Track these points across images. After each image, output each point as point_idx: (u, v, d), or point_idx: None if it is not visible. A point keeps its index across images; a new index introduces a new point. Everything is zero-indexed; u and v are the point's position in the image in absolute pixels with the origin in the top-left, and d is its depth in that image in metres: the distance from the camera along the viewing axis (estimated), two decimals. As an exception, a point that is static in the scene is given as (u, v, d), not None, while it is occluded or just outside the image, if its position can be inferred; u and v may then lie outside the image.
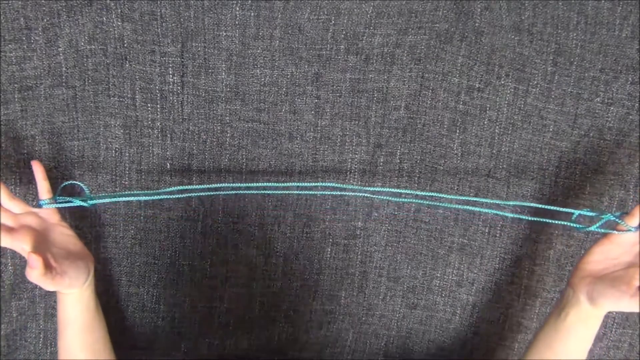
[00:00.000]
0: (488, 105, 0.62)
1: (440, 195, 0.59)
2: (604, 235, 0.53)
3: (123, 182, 0.60)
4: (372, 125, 0.62)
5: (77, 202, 0.54)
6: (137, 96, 0.59)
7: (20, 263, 0.60)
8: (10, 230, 0.51)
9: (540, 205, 0.58)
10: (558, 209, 0.56)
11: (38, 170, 0.54)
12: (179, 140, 0.60)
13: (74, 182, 0.57)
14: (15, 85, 0.56)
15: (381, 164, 0.63)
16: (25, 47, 0.55)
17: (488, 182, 0.63)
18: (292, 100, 0.61)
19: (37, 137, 0.58)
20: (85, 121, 0.59)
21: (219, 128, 0.61)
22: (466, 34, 0.60)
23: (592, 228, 0.54)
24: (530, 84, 0.61)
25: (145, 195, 0.57)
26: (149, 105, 0.59)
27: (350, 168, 0.63)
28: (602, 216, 0.53)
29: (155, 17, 0.57)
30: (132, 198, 0.55)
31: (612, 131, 0.62)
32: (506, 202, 0.61)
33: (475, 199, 0.58)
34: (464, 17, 0.60)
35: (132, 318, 0.64)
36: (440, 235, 0.65)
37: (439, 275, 0.66)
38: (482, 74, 0.61)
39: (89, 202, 0.54)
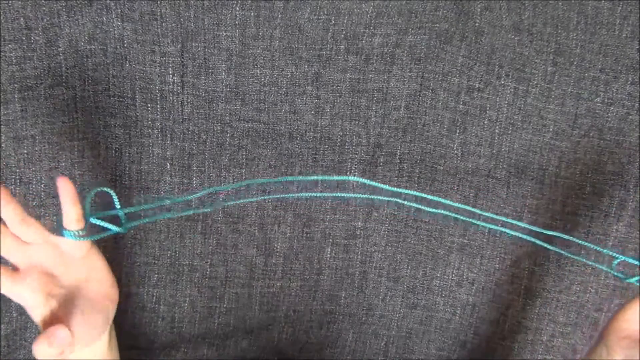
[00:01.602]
0: (488, 105, 0.62)
1: (474, 210, 0.52)
2: None
3: (123, 182, 0.60)
4: (372, 125, 0.62)
5: (114, 230, 0.43)
6: (137, 96, 0.59)
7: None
8: (13, 273, 0.40)
9: (584, 243, 0.51)
10: (601, 249, 0.50)
11: (66, 190, 0.41)
12: (179, 140, 0.60)
13: (104, 189, 0.44)
14: (15, 85, 0.56)
15: (381, 164, 0.63)
16: (25, 47, 0.55)
17: (488, 182, 0.63)
18: (292, 100, 0.61)
19: (37, 137, 0.58)
20: (85, 121, 0.59)
21: (219, 128, 0.61)
22: (466, 34, 0.60)
23: (632, 280, 0.49)
24: (530, 84, 0.61)
25: (182, 210, 0.51)
26: (148, 105, 0.59)
27: (350, 168, 0.63)
28: None
29: (155, 17, 0.57)
30: (168, 215, 0.51)
31: (612, 131, 0.62)
32: (546, 232, 0.52)
33: (503, 218, 0.52)
34: (464, 17, 0.60)
35: (132, 318, 0.64)
36: (440, 235, 0.65)
37: (439, 275, 0.66)
38: (482, 74, 0.61)
39: (125, 227, 0.44)
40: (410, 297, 0.67)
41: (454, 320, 0.67)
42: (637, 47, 0.60)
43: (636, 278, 0.48)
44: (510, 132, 0.62)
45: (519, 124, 0.62)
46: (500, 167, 0.63)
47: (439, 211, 0.52)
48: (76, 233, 0.42)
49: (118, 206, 0.44)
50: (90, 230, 0.43)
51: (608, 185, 0.62)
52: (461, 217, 0.54)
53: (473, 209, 0.51)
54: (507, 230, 0.54)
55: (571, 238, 0.52)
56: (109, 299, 0.46)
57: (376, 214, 0.64)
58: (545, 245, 0.52)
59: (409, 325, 0.68)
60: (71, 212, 0.42)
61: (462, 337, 0.68)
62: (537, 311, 0.65)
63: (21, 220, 0.41)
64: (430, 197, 0.50)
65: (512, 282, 0.66)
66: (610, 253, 0.50)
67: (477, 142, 0.63)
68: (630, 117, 0.61)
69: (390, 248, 0.65)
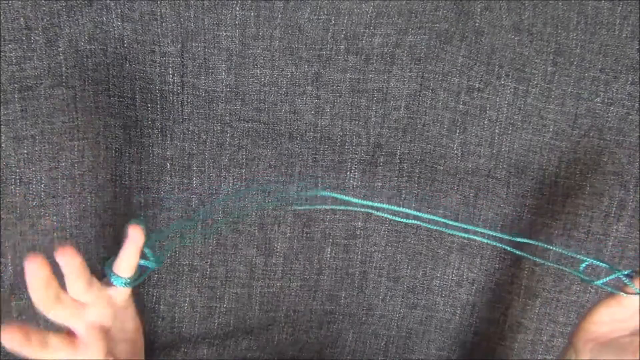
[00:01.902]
0: (488, 105, 0.62)
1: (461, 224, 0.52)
2: (610, 294, 0.48)
3: (123, 182, 0.60)
4: (372, 125, 0.62)
5: (152, 266, 0.43)
6: (137, 96, 0.59)
7: (21, 263, 0.59)
8: (74, 343, 0.37)
9: (552, 247, 0.53)
10: (568, 252, 0.51)
11: (137, 241, 0.39)
12: (179, 140, 0.60)
13: (138, 219, 0.42)
14: (15, 85, 0.56)
15: (381, 164, 0.63)
16: (25, 47, 0.55)
17: (488, 182, 0.63)
18: (292, 100, 0.61)
19: (37, 137, 0.58)
20: (85, 121, 0.59)
21: (219, 128, 0.61)
22: (466, 34, 0.60)
23: (597, 283, 0.48)
24: (530, 84, 0.61)
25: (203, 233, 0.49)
26: (148, 105, 0.59)
27: (350, 168, 0.63)
28: (615, 273, 0.47)
29: (155, 17, 0.57)
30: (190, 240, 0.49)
31: (612, 131, 0.62)
32: (514, 239, 0.53)
33: (482, 230, 0.52)
34: (464, 17, 0.60)
35: (132, 318, 0.64)
36: (440, 235, 0.65)
37: (439, 275, 0.66)
38: (482, 74, 0.61)
39: (159, 260, 0.43)
40: (410, 297, 0.67)
41: (454, 320, 0.67)
42: (637, 47, 0.60)
43: (601, 281, 0.48)
44: (510, 132, 0.62)
45: (519, 124, 0.62)
46: (500, 167, 0.63)
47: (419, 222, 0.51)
48: (128, 280, 0.41)
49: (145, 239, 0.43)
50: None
51: (608, 185, 0.62)
52: (435, 227, 0.53)
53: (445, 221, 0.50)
54: (480, 238, 0.54)
55: (536, 242, 0.52)
56: (141, 339, 0.46)
57: (376, 214, 0.64)
58: (513, 250, 0.52)
59: (409, 325, 0.68)
60: (131, 261, 0.40)
61: (462, 337, 0.68)
62: (537, 311, 0.65)
63: (86, 285, 0.38)
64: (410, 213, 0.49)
65: (512, 282, 0.66)
66: (578, 256, 0.49)
67: (477, 142, 0.63)
68: (630, 117, 0.61)
69: (390, 248, 0.65)
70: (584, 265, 0.49)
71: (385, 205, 0.47)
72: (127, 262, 0.40)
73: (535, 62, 0.61)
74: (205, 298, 0.64)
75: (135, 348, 0.44)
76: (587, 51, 0.60)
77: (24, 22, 0.55)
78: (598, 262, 0.49)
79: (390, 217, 0.51)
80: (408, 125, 0.62)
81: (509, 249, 0.52)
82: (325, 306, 0.66)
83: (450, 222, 0.50)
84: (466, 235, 0.57)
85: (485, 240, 0.53)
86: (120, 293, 0.41)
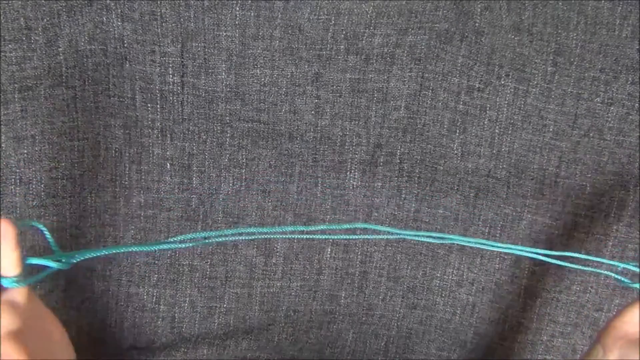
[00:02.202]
0: (488, 105, 0.62)
1: (486, 242, 0.51)
2: None
3: (123, 182, 0.60)
4: (372, 125, 0.62)
5: (53, 266, 0.40)
6: (137, 96, 0.59)
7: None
8: None
9: (584, 256, 0.52)
10: (603, 260, 0.51)
11: (9, 235, 0.37)
12: (179, 140, 0.60)
13: (32, 223, 0.41)
14: (15, 85, 0.56)
15: (381, 164, 0.63)
16: (25, 47, 0.55)
17: (488, 182, 0.63)
18: (292, 100, 0.61)
19: (37, 137, 0.58)
20: (85, 121, 0.59)
21: (219, 128, 0.61)
22: (466, 34, 0.60)
23: (638, 285, 0.49)
24: (530, 84, 0.61)
25: (126, 247, 0.46)
26: (149, 105, 0.59)
27: (350, 168, 0.63)
28: None
29: (155, 17, 0.57)
30: (112, 250, 0.46)
31: (612, 131, 0.62)
32: (552, 252, 0.51)
33: (519, 246, 0.50)
34: (464, 17, 0.60)
35: (132, 318, 0.64)
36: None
37: (439, 275, 0.66)
38: (482, 74, 0.61)
39: (64, 261, 0.40)
40: (410, 297, 0.67)
41: (454, 320, 0.67)
42: (637, 47, 0.60)
43: None
44: (510, 132, 0.62)
45: (519, 124, 0.62)
46: (500, 167, 0.63)
47: (436, 239, 0.50)
48: (15, 279, 0.38)
49: (51, 241, 0.42)
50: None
51: (608, 185, 0.62)
52: (456, 239, 0.53)
53: (483, 242, 0.50)
54: (512, 250, 0.53)
55: (579, 255, 0.52)
56: (60, 331, 0.44)
57: (376, 214, 0.64)
58: (549, 259, 0.52)
59: (409, 325, 0.68)
60: (10, 258, 0.38)
61: (462, 337, 0.68)
62: (537, 311, 0.65)
63: None
64: (433, 238, 0.49)
65: (512, 282, 0.66)
66: (613, 263, 0.50)
67: (477, 142, 0.63)
68: (630, 117, 0.61)
69: (390, 248, 0.65)
70: (620, 267, 0.50)
71: (422, 232, 0.47)
72: (5, 259, 0.38)
73: (535, 62, 0.61)
74: (205, 298, 0.64)
75: (54, 343, 0.43)
76: (587, 51, 0.60)
77: (24, 22, 0.55)
78: (632, 267, 0.49)
79: (431, 240, 0.51)
80: (408, 125, 0.62)
81: (552, 261, 0.52)
82: (325, 306, 0.66)
83: (487, 242, 0.50)
84: (505, 250, 0.56)
85: (522, 254, 0.52)
86: (19, 293, 0.39)
